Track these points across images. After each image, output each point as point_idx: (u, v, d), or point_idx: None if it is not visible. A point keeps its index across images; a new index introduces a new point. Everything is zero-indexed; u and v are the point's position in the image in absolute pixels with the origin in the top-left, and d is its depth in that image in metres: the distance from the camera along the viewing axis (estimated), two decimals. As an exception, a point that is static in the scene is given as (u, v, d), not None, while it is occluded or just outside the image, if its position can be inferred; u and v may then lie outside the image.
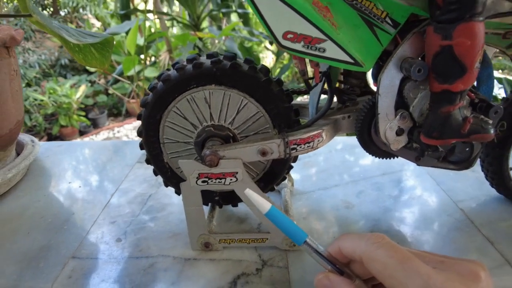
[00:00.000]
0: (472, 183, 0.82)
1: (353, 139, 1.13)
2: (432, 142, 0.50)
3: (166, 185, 0.65)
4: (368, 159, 0.95)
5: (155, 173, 0.64)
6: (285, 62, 3.83)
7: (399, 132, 0.53)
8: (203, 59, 0.55)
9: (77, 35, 0.66)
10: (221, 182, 0.54)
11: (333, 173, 0.89)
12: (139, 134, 0.60)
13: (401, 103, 0.52)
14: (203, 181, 0.54)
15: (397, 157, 0.59)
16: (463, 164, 0.61)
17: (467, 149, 0.59)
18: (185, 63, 0.54)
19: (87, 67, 3.90)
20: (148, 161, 0.63)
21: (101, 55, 0.74)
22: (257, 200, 0.33)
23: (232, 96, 0.55)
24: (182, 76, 0.53)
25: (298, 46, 0.46)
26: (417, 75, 0.46)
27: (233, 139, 0.58)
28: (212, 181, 0.54)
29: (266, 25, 0.44)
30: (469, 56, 0.43)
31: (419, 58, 0.49)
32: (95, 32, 0.78)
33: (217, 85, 0.54)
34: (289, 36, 0.45)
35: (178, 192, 0.65)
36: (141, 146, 0.61)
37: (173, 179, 0.63)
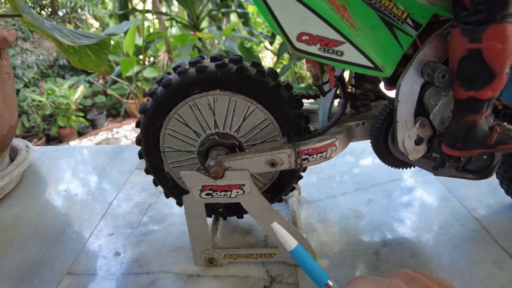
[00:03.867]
0: (484, 190, 0.78)
1: (358, 144, 1.10)
2: (456, 153, 0.46)
3: (167, 196, 0.61)
4: (374, 164, 0.91)
5: (155, 184, 0.60)
6: (285, 62, 3.79)
7: (418, 141, 0.49)
8: (206, 62, 0.51)
9: (71, 36, 0.62)
10: (226, 195, 0.50)
11: (340, 179, 0.85)
12: (138, 142, 0.56)
13: (421, 111, 0.48)
14: (207, 194, 0.51)
15: (414, 166, 0.56)
16: (482, 173, 0.58)
17: (485, 157, 0.55)
18: (187, 66, 0.51)
19: (85, 67, 3.85)
20: (147, 171, 0.59)
21: (98, 57, 0.70)
22: (284, 236, 0.32)
23: (238, 102, 0.51)
24: (184, 80, 0.50)
25: (314, 49, 0.42)
26: (441, 81, 0.42)
27: (239, 148, 0.54)
28: (217, 193, 0.50)
29: (279, 26, 0.41)
30: (499, 60, 0.39)
31: (441, 63, 0.46)
32: (90, 32, 0.74)
33: (222, 90, 0.50)
34: (304, 38, 0.41)
35: (179, 203, 0.62)
36: (140, 155, 0.58)
37: (174, 190, 0.60)
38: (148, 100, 0.54)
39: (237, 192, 0.50)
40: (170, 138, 0.55)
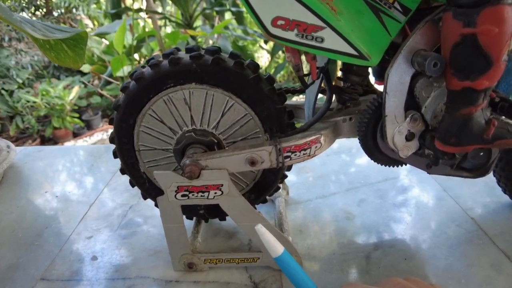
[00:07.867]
0: (481, 189, 0.75)
1: (352, 140, 1.06)
2: (449, 149, 0.43)
3: (145, 198, 0.58)
4: (368, 163, 0.88)
5: (132, 184, 0.57)
6: (280, 61, 3.75)
7: (409, 137, 0.46)
8: (181, 54, 0.47)
9: (43, 30, 0.59)
10: (204, 196, 0.47)
11: (331, 179, 0.82)
12: (111, 140, 0.53)
13: (411, 103, 0.45)
14: (183, 195, 0.47)
15: (406, 164, 0.52)
16: (479, 171, 0.54)
17: (481, 153, 0.52)
18: (161, 58, 0.47)
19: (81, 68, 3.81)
20: (123, 171, 0.55)
21: (75, 52, 0.66)
22: (269, 241, 0.29)
23: (216, 96, 0.48)
24: (157, 73, 0.46)
25: (291, 35, 0.38)
26: (432, 70, 0.39)
27: (218, 146, 0.50)
28: (193, 194, 0.47)
29: (251, 10, 0.37)
30: (496, 46, 0.36)
31: (433, 51, 0.42)
32: (65, 27, 0.71)
33: (198, 83, 0.47)
34: (280, 22, 0.38)
35: (157, 205, 0.58)
36: (115, 154, 0.54)
37: (151, 191, 0.56)
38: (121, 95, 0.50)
39: (215, 193, 0.47)
40: (144, 136, 0.51)
